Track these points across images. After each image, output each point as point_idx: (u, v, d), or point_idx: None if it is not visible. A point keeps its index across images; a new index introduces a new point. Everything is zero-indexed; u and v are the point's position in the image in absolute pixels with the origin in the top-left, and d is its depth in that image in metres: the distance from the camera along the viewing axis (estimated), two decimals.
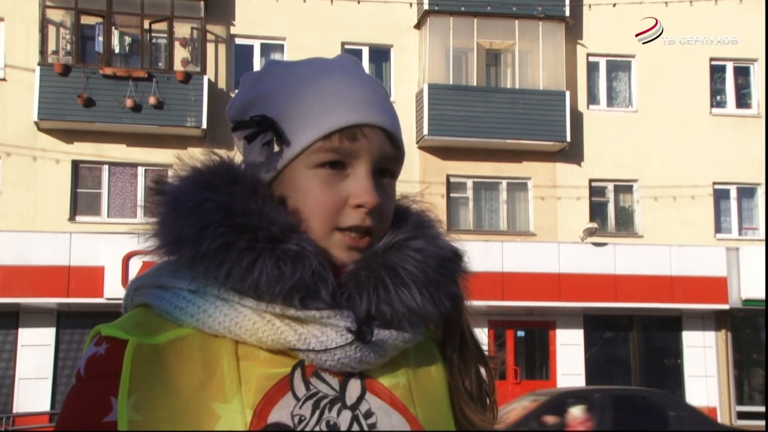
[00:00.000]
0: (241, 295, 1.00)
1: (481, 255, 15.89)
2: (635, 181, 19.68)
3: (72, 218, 17.51)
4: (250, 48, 18.86)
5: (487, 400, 1.16)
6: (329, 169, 1.04)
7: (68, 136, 17.61)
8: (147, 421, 0.95)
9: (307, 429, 0.97)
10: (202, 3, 18.14)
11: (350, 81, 1.09)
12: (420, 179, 18.27)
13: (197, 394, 0.96)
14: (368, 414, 1.01)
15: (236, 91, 1.19)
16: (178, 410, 0.95)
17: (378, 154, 1.06)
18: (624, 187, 19.87)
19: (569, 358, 18.72)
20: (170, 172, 1.09)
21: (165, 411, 0.95)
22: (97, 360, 0.99)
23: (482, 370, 1.17)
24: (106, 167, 17.89)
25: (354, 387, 1.02)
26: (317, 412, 0.99)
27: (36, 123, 17.41)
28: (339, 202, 1.03)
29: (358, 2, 18.79)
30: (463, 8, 18.92)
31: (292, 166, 1.05)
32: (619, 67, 20.28)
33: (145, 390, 0.96)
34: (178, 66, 18.02)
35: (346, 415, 1.00)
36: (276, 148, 1.05)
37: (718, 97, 20.54)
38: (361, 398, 1.02)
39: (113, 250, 16.13)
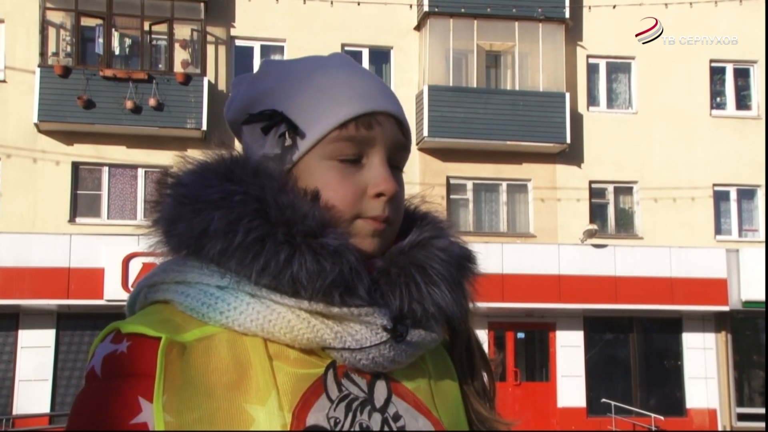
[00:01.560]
0: (275, 291, 0.97)
1: (482, 257, 15.87)
2: (635, 182, 19.68)
3: (72, 220, 17.51)
4: (250, 50, 18.86)
5: (488, 404, 1.16)
6: (345, 160, 1.03)
7: (68, 137, 17.61)
8: (181, 422, 0.91)
9: (343, 431, 0.96)
10: (202, 5, 18.15)
11: (355, 72, 1.08)
12: (420, 181, 18.27)
13: (229, 394, 0.93)
14: (396, 417, 1.00)
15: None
16: (212, 411, 0.91)
17: (392, 142, 1.05)
18: (624, 189, 19.87)
19: (569, 360, 18.71)
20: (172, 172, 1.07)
21: (199, 412, 0.91)
22: (117, 358, 0.94)
23: (484, 374, 1.17)
24: (106, 169, 17.90)
25: (381, 389, 1.01)
26: (350, 415, 0.97)
27: (36, 124, 17.41)
28: (358, 192, 1.02)
29: (358, 4, 18.80)
30: (463, 10, 18.93)
31: (306, 158, 1.03)
32: (619, 68, 20.28)
33: (176, 391, 0.92)
34: (178, 68, 18.03)
35: (377, 417, 0.99)
36: (289, 141, 1.03)
37: (718, 99, 20.55)
38: (388, 401, 1.01)
39: (113, 252, 16.14)
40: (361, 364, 0.99)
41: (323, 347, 0.98)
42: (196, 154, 1.06)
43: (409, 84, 19.05)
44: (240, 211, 0.97)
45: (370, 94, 1.05)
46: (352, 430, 0.96)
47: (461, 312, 1.08)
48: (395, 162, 1.07)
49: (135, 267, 15.89)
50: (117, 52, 18.06)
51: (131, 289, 1.10)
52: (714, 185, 19.83)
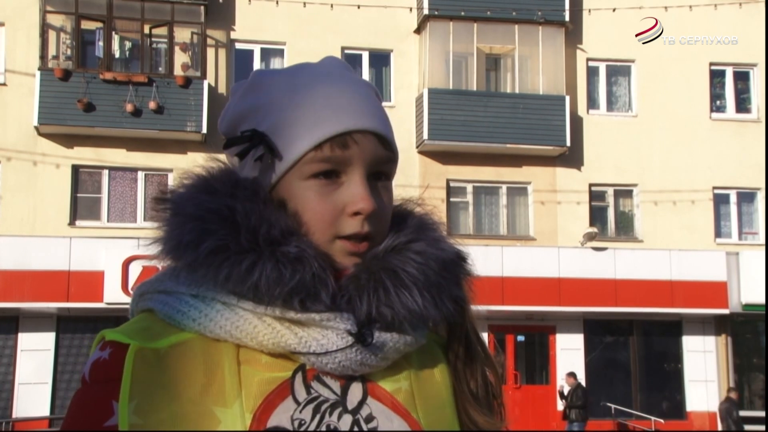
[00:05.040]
0: (241, 298, 1.00)
1: (481, 260, 15.84)
2: (635, 185, 19.68)
3: (72, 223, 17.51)
4: (250, 53, 18.88)
5: (495, 403, 1.16)
6: (323, 179, 1.04)
7: (68, 140, 17.62)
8: (146, 424, 0.96)
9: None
10: (202, 8, 18.17)
11: (339, 87, 1.08)
12: (420, 184, 18.27)
13: (198, 398, 0.96)
14: (369, 418, 1.01)
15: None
16: (178, 414, 0.96)
17: (370, 158, 1.05)
18: (624, 192, 19.88)
19: (569, 363, 18.69)
20: (170, 177, 1.09)
21: (164, 414, 0.96)
22: (100, 364, 1.00)
23: (489, 373, 1.16)
24: (106, 172, 17.90)
25: (355, 391, 1.02)
26: (318, 416, 0.99)
27: (36, 128, 17.42)
28: (336, 211, 1.03)
29: (358, 7, 18.81)
30: (463, 13, 18.94)
31: (285, 178, 1.05)
32: (618, 71, 20.30)
33: (146, 394, 0.97)
34: (178, 71, 18.04)
35: (347, 419, 1.00)
36: (269, 162, 1.05)
37: (718, 102, 20.56)
38: (362, 402, 1.02)
39: (113, 255, 16.14)
40: (329, 368, 1.01)
41: (290, 352, 1.00)
42: (195, 162, 1.09)
43: (409, 87, 19.07)
44: (208, 222, 1.01)
45: (347, 111, 1.05)
46: (318, 430, 0.98)
47: (446, 314, 1.07)
48: (381, 173, 1.08)
49: (135, 270, 15.89)
50: (117, 55, 18.07)
51: (131, 292, 1.14)
52: (714, 188, 19.83)
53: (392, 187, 1.10)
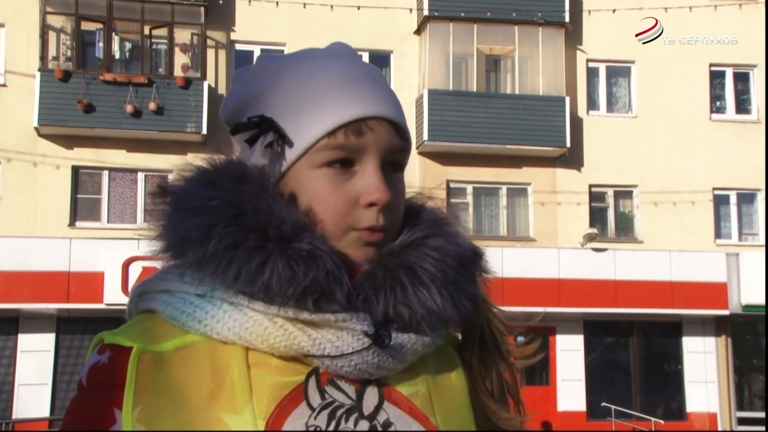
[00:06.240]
0: (251, 298, 0.94)
1: None
2: (635, 186, 19.68)
3: (72, 224, 17.51)
4: (250, 54, 18.88)
5: (511, 401, 1.12)
6: (336, 168, 0.99)
7: (68, 141, 17.62)
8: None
9: None
10: (202, 9, 18.17)
11: (349, 71, 1.03)
12: (420, 185, 18.22)
13: (205, 404, 0.91)
14: (387, 424, 0.96)
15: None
16: (185, 421, 0.90)
17: (385, 147, 1.01)
18: (624, 193, 19.87)
19: (569, 364, 18.69)
20: (170, 178, 1.06)
21: (171, 422, 0.90)
22: (99, 369, 0.95)
23: (504, 371, 1.12)
24: (106, 173, 17.90)
25: (371, 396, 0.97)
26: (333, 423, 0.93)
27: (36, 128, 17.42)
28: (350, 202, 0.98)
29: (358, 8, 18.81)
30: (462, 14, 18.94)
31: (296, 166, 1.00)
32: (618, 72, 20.29)
33: (150, 401, 0.91)
34: (178, 71, 18.04)
35: (364, 425, 0.95)
36: (278, 149, 0.99)
37: (718, 103, 20.55)
38: (378, 407, 0.97)
39: (113, 256, 16.13)
40: (344, 371, 0.95)
41: (304, 354, 0.95)
42: (195, 160, 1.03)
43: (409, 88, 19.07)
44: (215, 218, 0.94)
45: (362, 97, 1.01)
46: None
47: (464, 312, 1.03)
48: (394, 163, 1.03)
49: (135, 271, 15.88)
50: (117, 56, 18.07)
51: (130, 294, 1.09)
52: (714, 189, 19.83)
53: (404, 178, 1.06)
